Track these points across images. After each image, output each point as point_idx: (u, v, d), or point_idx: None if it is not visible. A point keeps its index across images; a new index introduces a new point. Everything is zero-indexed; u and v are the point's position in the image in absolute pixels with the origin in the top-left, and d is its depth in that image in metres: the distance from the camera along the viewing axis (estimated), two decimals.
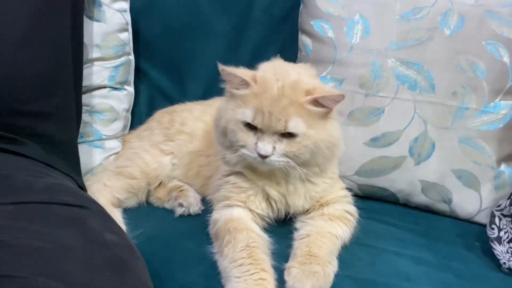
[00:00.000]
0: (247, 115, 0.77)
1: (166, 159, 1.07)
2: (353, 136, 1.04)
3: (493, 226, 0.89)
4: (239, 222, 0.82)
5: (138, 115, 1.30)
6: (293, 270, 0.73)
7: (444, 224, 1.02)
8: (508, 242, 0.87)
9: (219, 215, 0.85)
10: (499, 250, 0.87)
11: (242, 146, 0.78)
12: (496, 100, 1.00)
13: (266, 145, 0.76)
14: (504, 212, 0.89)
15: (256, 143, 0.77)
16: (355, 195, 1.03)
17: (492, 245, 0.88)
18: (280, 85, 0.77)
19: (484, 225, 1.01)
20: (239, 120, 0.78)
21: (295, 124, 0.76)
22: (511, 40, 1.00)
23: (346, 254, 0.83)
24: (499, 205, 0.90)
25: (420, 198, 1.04)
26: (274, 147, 0.77)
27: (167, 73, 1.33)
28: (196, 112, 1.11)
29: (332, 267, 0.76)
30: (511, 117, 1.00)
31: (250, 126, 0.77)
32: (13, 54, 0.80)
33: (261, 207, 0.87)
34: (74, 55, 0.94)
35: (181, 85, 1.33)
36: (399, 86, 1.02)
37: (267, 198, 0.87)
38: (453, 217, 1.05)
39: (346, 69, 1.05)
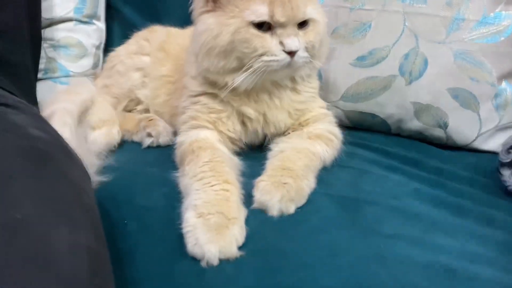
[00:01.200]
0: (262, 12, 0.66)
1: (136, 75, 0.99)
2: (337, 57, 0.95)
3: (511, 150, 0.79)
4: (205, 141, 0.74)
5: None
6: (261, 183, 0.65)
7: (439, 152, 0.93)
8: None
9: (184, 138, 0.76)
10: (507, 174, 0.78)
11: (263, 54, 0.68)
12: (497, 10, 0.90)
13: (294, 40, 0.68)
14: None
15: (281, 42, 0.68)
16: (342, 126, 0.95)
17: (501, 170, 0.78)
18: None
19: (483, 152, 0.93)
20: (251, 23, 0.67)
21: (311, 10, 0.70)
22: None
23: (327, 175, 0.75)
24: None
25: (413, 124, 0.95)
26: (299, 40, 0.69)
27: (142, 10, 1.25)
28: (174, 31, 1.03)
29: (308, 182, 0.67)
30: None
31: (262, 28, 0.68)
32: None
33: (234, 129, 0.78)
34: None
35: (156, 22, 1.22)
36: None
37: (242, 119, 0.78)
38: (450, 145, 0.96)
39: None
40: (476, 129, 0.92)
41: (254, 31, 0.67)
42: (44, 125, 0.58)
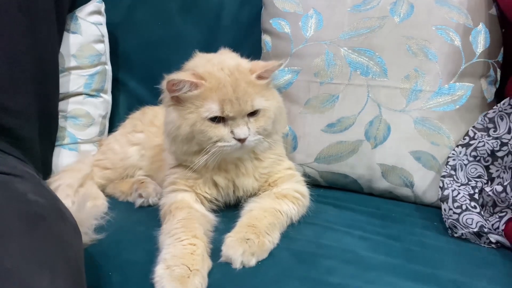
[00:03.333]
0: (214, 109, 0.79)
1: (132, 150, 1.11)
2: (310, 124, 1.06)
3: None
4: (182, 202, 0.85)
5: (117, 122, 1.35)
6: (228, 239, 0.74)
7: (407, 208, 1.01)
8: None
9: (165, 200, 0.88)
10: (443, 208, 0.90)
11: (217, 141, 0.80)
12: (451, 82, 1.01)
13: (242, 129, 0.80)
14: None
15: (232, 131, 0.80)
16: (318, 185, 1.04)
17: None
18: (228, 72, 0.81)
19: None
20: (206, 118, 0.79)
21: (259, 101, 0.82)
22: (461, 25, 1.02)
23: (293, 231, 0.84)
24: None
25: (382, 183, 1.03)
26: (248, 128, 0.80)
27: (144, 82, 1.40)
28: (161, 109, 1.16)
29: (270, 238, 0.76)
30: (467, 98, 1.00)
31: (215, 120, 0.80)
32: None
33: (209, 192, 0.89)
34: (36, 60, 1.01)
35: (158, 93, 1.35)
36: (352, 72, 1.04)
37: (215, 184, 0.89)
38: (418, 203, 1.03)
39: (302, 60, 1.08)
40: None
41: (208, 123, 0.80)
42: (42, 190, 0.69)
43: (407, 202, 1.04)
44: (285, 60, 1.10)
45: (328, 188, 1.10)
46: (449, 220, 0.88)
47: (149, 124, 1.13)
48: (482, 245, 0.85)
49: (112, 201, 1.06)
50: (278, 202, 0.85)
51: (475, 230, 0.85)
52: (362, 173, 1.04)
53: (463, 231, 0.86)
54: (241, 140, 0.80)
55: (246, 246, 0.72)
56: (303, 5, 1.11)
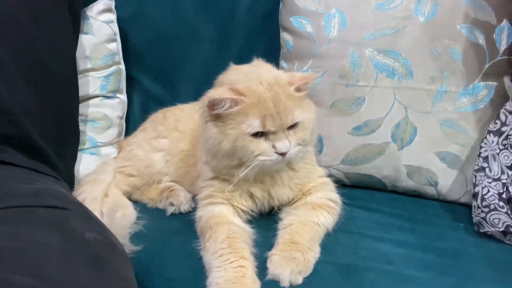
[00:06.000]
0: (255, 125, 0.79)
1: (158, 156, 1.11)
2: (336, 126, 1.06)
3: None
4: (220, 217, 0.86)
5: (133, 122, 1.35)
6: (274, 257, 0.76)
7: (432, 207, 1.04)
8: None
9: (202, 213, 0.88)
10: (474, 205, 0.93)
11: (259, 155, 0.81)
12: (475, 81, 1.01)
13: (284, 142, 0.81)
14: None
15: (273, 146, 0.80)
16: (343, 185, 1.06)
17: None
18: (268, 86, 0.81)
19: (470, 206, 1.03)
20: (248, 133, 0.79)
21: (299, 114, 0.82)
22: (485, 23, 1.01)
23: (329, 241, 0.86)
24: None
25: (407, 183, 1.06)
26: (289, 141, 0.81)
27: (158, 79, 1.38)
28: (187, 109, 1.15)
29: (313, 253, 0.78)
30: (490, 97, 1.01)
31: (256, 135, 0.80)
32: None
33: (245, 204, 0.90)
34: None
35: (172, 90, 1.38)
36: (378, 74, 1.03)
37: (251, 195, 0.90)
38: (442, 200, 1.06)
39: (326, 61, 1.07)
40: (463, 186, 1.02)
41: (250, 138, 0.80)
42: (94, 224, 0.70)
43: (430, 200, 1.07)
44: (319, 72, 1.08)
45: (352, 187, 1.12)
46: (477, 218, 0.91)
47: (172, 129, 1.12)
48: (507, 242, 0.89)
49: (141, 207, 1.06)
50: (315, 214, 0.86)
51: (501, 229, 0.88)
52: (388, 174, 1.06)
53: (489, 229, 0.89)
54: (283, 154, 0.81)
55: (293, 265, 0.74)
56: (324, 4, 1.09)
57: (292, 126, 0.82)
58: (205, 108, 0.82)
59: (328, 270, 0.78)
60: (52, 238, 0.60)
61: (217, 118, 0.82)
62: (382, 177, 1.07)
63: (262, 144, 0.80)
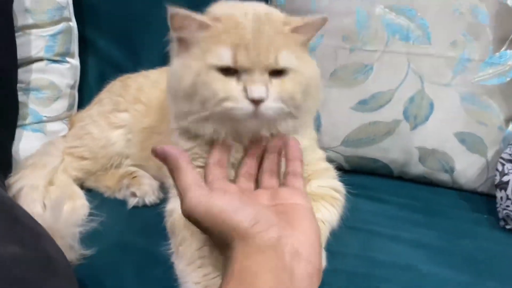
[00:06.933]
0: (225, 56, 0.58)
1: (116, 134, 0.91)
2: (337, 100, 0.89)
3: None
4: None
5: (88, 92, 1.13)
6: None
7: (446, 196, 0.89)
8: None
9: (174, 205, 0.68)
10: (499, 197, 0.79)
11: (224, 99, 0.59)
12: (502, 49, 0.86)
13: (258, 87, 0.58)
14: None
15: (244, 88, 0.58)
16: (341, 169, 0.89)
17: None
18: (253, 17, 0.61)
19: (492, 195, 0.89)
20: (213, 66, 0.59)
21: (287, 56, 0.60)
22: None
23: (335, 242, 0.68)
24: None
25: (417, 168, 0.90)
26: (267, 89, 0.59)
27: (118, 42, 1.17)
28: (153, 76, 0.95)
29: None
30: None
31: (227, 72, 0.59)
32: None
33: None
34: None
35: (134, 55, 1.17)
36: (389, 37, 0.87)
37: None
38: (456, 188, 0.91)
39: None
40: (484, 173, 0.88)
41: (216, 74, 0.59)
42: (19, 231, 0.49)
43: (441, 187, 0.92)
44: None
45: (352, 172, 0.95)
46: (505, 211, 0.77)
47: (133, 100, 0.91)
48: None
49: (95, 198, 0.86)
50: (317, 207, 0.68)
51: None
52: (396, 157, 0.90)
53: None
54: (255, 102, 0.58)
55: None
56: None
57: (278, 73, 0.61)
58: (171, 33, 0.62)
59: (339, 283, 0.61)
60: None
61: (184, 48, 0.62)
62: (389, 161, 0.90)
63: (231, 85, 0.59)
